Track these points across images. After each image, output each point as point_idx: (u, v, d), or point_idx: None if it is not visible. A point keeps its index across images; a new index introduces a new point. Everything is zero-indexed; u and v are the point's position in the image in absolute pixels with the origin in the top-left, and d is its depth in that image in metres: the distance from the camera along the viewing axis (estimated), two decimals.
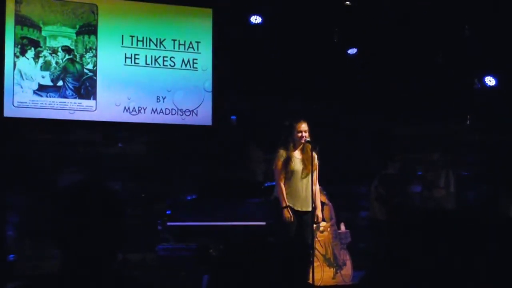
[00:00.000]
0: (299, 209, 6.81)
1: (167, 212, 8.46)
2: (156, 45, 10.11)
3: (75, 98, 9.69)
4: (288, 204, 6.76)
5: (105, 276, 2.44)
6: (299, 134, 6.79)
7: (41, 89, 9.53)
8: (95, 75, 9.80)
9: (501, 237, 2.33)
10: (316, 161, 6.80)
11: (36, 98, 9.50)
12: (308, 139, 6.77)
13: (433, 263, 2.43)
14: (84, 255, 2.41)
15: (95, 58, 9.81)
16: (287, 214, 6.71)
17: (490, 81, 11.13)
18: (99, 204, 2.46)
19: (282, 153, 6.83)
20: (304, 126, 6.82)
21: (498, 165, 10.56)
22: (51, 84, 9.59)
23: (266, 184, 8.50)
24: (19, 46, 9.46)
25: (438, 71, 10.80)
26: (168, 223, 8.31)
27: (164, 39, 10.16)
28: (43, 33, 9.59)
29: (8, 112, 9.33)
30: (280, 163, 6.82)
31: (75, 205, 2.43)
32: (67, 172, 9.74)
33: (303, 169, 6.78)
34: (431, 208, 9.49)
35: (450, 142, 10.97)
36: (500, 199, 9.98)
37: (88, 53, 9.81)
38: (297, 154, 6.85)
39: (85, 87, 9.76)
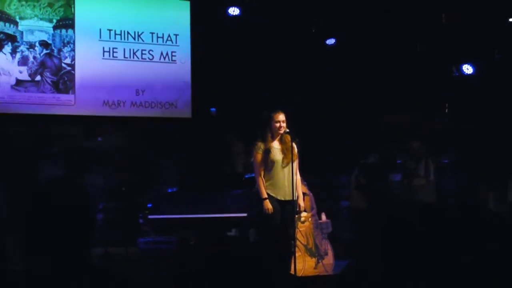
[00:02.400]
0: (282, 199, 6.78)
1: (148, 205, 8.41)
2: (134, 39, 10.04)
3: (53, 92, 9.60)
4: (270, 194, 6.73)
5: (78, 271, 2.40)
6: (277, 125, 6.75)
7: (19, 84, 9.43)
8: (73, 69, 9.71)
9: (481, 229, 2.31)
10: (296, 151, 6.77)
11: (14, 93, 9.39)
12: (287, 130, 6.75)
13: (415, 253, 2.40)
14: (50, 250, 2.38)
15: (73, 52, 9.72)
16: (268, 205, 6.68)
17: (467, 69, 11.15)
18: (65, 199, 2.43)
19: (260, 145, 6.79)
20: (281, 117, 6.79)
21: (477, 152, 10.59)
22: (29, 79, 9.48)
23: (246, 176, 8.47)
24: None
25: (416, 60, 10.81)
26: (149, 216, 8.26)
27: (142, 32, 10.08)
28: (20, 28, 9.48)
29: None
30: (259, 155, 6.78)
31: (41, 201, 2.41)
32: (47, 167, 9.66)
33: (283, 158, 6.75)
34: (410, 200, 9.52)
35: (429, 130, 10.98)
36: (479, 187, 10.01)
37: (66, 47, 9.71)
38: (275, 145, 6.81)
39: (64, 81, 9.67)
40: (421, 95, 10.92)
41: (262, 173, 6.76)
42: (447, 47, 10.82)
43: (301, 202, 6.95)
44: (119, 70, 9.91)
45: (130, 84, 9.93)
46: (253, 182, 7.02)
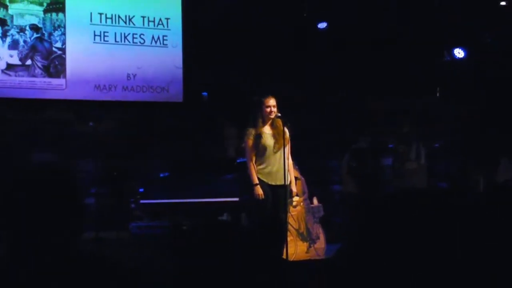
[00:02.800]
0: (273, 184, 6.78)
1: (140, 190, 8.41)
2: (125, 22, 9.99)
3: (44, 77, 9.56)
4: (262, 179, 6.72)
5: (67, 256, 2.39)
6: (268, 109, 6.74)
7: (10, 68, 9.38)
8: (64, 53, 9.66)
9: (471, 217, 2.33)
10: (287, 136, 6.77)
11: (5, 77, 9.34)
12: (279, 114, 6.73)
13: (406, 237, 2.42)
14: (37, 237, 2.36)
15: (63, 36, 9.67)
16: (259, 191, 6.67)
17: (459, 53, 11.15)
18: (52, 184, 2.41)
19: (251, 131, 6.77)
20: (272, 101, 6.77)
21: (468, 136, 10.61)
22: (19, 63, 9.43)
23: (238, 160, 8.47)
24: None
25: (407, 44, 10.79)
26: (141, 201, 8.27)
27: (133, 16, 10.03)
28: (10, 11, 9.42)
29: None
30: (249, 141, 6.76)
31: (27, 186, 2.39)
32: (38, 152, 9.63)
33: (274, 143, 6.74)
34: (402, 188, 9.54)
35: (420, 114, 10.99)
36: (470, 170, 10.04)
37: (56, 31, 9.65)
38: (267, 130, 6.80)
39: (54, 65, 9.62)
40: (412, 80, 10.92)
41: (253, 158, 6.75)
42: (438, 31, 10.81)
43: (293, 187, 6.95)
44: (110, 54, 9.87)
45: (121, 68, 9.90)
46: (245, 167, 7.01)
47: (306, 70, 10.71)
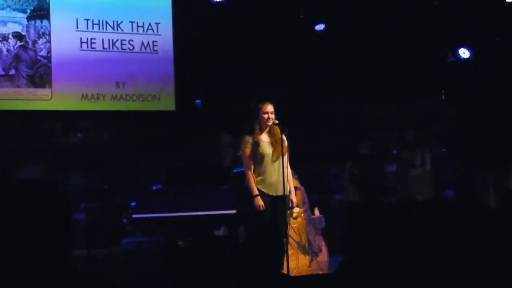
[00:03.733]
0: (273, 194, 6.77)
1: (132, 203, 8.37)
2: (113, 28, 10.00)
3: (29, 87, 9.56)
4: (261, 190, 6.72)
5: (58, 275, 2.38)
6: (265, 116, 6.73)
7: None
8: (50, 62, 9.66)
9: (480, 228, 2.33)
10: (286, 143, 6.76)
11: None
12: (276, 121, 6.73)
13: (411, 248, 2.41)
14: (27, 256, 2.36)
15: (48, 44, 9.67)
16: (259, 202, 6.67)
17: (464, 53, 11.16)
18: (42, 202, 2.41)
19: (248, 139, 6.76)
20: (269, 108, 6.76)
21: (475, 140, 10.61)
22: (3, 73, 9.43)
23: (235, 170, 8.46)
24: None
25: (409, 45, 10.81)
26: (133, 216, 8.23)
27: (122, 22, 10.04)
28: None
29: None
30: (247, 150, 6.76)
31: (15, 204, 2.39)
32: (25, 165, 9.63)
33: (273, 152, 6.73)
34: (407, 196, 9.53)
35: (425, 118, 11.00)
36: (478, 176, 10.03)
37: (41, 39, 9.66)
38: (264, 137, 6.79)
39: (40, 75, 9.62)
40: (416, 82, 10.93)
41: (252, 168, 6.75)
42: (442, 31, 10.82)
43: (293, 198, 6.94)
44: (98, 61, 9.88)
45: (110, 76, 9.90)
46: (243, 177, 7.01)
47: (304, 74, 10.72)
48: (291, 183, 6.92)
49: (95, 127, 10.19)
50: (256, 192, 6.66)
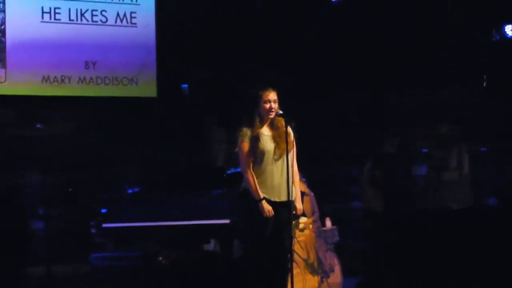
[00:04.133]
0: (275, 200, 6.75)
1: (102, 210, 8.38)
2: None
3: None
4: (263, 195, 6.71)
5: None
6: (267, 106, 6.70)
7: None
8: (4, 36, 9.65)
9: None
10: (292, 138, 6.74)
11: None
12: (280, 111, 6.71)
13: (440, 267, 2.40)
14: None
15: (2, 14, 9.68)
16: (266, 207, 6.65)
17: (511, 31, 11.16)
18: None
19: (246, 131, 6.73)
20: (272, 96, 6.73)
21: None
22: None
23: (229, 171, 8.45)
24: None
25: (445, 22, 10.80)
26: (104, 225, 8.24)
27: None
28: None
29: None
30: (245, 145, 6.73)
31: None
32: None
33: (275, 148, 6.70)
34: (439, 205, 9.54)
35: (463, 110, 10.99)
36: None
37: None
38: (265, 131, 6.76)
39: None
40: (452, 66, 10.92)
41: (251, 166, 6.73)
42: (484, 5, 10.81)
43: (298, 204, 6.91)
44: (63, 36, 9.87)
45: (78, 54, 9.89)
46: (238, 179, 7.00)
47: (314, 55, 10.71)
48: (297, 186, 6.89)
49: (58, 117, 10.18)
50: (260, 195, 6.64)
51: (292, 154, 6.74)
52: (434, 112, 10.94)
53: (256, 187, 6.63)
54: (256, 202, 6.63)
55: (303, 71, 10.71)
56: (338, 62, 10.79)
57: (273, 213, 6.62)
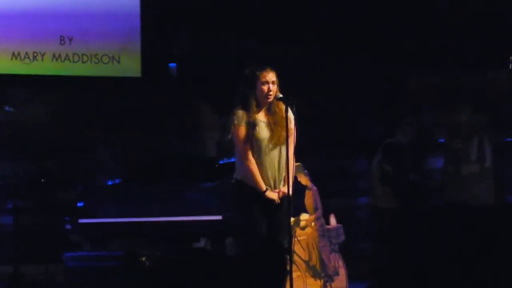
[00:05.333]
0: None
1: (79, 204, 8.40)
2: None
3: None
4: (254, 188, 6.70)
5: None
6: (265, 88, 6.70)
7: None
8: None
9: None
10: (292, 125, 6.74)
11: None
12: (280, 94, 6.71)
13: (458, 269, 2.43)
14: None
15: None
16: (273, 195, 6.65)
17: None
18: None
19: (242, 115, 6.72)
20: (271, 76, 6.71)
21: None
22: None
23: (222, 161, 8.46)
24: None
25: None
26: (80, 221, 8.26)
27: None
28: None
29: None
30: (241, 129, 6.72)
31: None
32: None
33: (271, 136, 6.70)
34: (458, 201, 9.57)
35: (485, 95, 10.99)
36: None
37: None
38: (261, 117, 6.77)
39: None
40: (473, 44, 10.92)
41: (250, 154, 6.72)
42: None
43: (284, 189, 6.86)
44: (36, 7, 9.86)
45: (52, 28, 9.90)
46: (232, 170, 7.01)
47: (317, 30, 10.69)
48: (292, 176, 6.84)
49: (29, 98, 10.18)
50: (263, 186, 6.64)
51: (291, 141, 6.74)
52: (453, 96, 10.93)
53: (259, 177, 6.63)
54: (255, 195, 6.64)
55: (308, 47, 10.69)
56: (345, 35, 10.79)
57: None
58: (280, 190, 6.70)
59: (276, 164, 6.72)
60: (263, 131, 6.70)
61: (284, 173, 6.66)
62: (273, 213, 6.71)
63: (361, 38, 10.77)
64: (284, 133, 6.61)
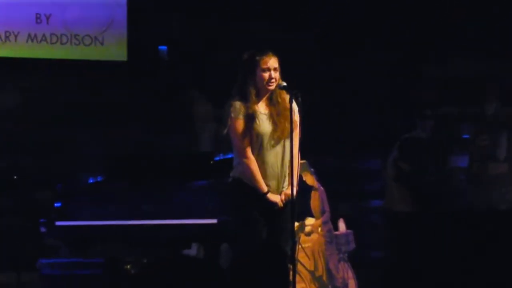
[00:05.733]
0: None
1: (56, 204, 8.40)
2: None
3: None
4: (254, 189, 6.70)
5: None
6: (266, 75, 6.66)
7: None
8: None
9: None
10: (296, 117, 6.73)
11: None
12: (283, 83, 6.70)
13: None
14: None
15: None
16: (275, 198, 6.64)
17: None
18: None
19: (240, 106, 6.69)
20: (272, 62, 6.68)
21: None
22: None
23: (217, 158, 8.45)
24: None
25: None
26: (58, 223, 8.26)
27: None
28: None
29: None
30: (239, 122, 6.70)
31: None
32: None
33: (273, 130, 6.69)
34: (481, 206, 9.58)
35: None
36: None
37: None
38: (261, 108, 6.75)
39: None
40: (499, 31, 10.92)
41: (249, 150, 6.72)
42: None
43: (288, 191, 6.87)
44: None
45: (27, 4, 9.91)
46: (228, 168, 7.01)
47: (326, 14, 10.72)
48: (296, 175, 6.83)
49: (2, 84, 10.19)
50: (265, 187, 6.63)
51: (296, 134, 6.73)
52: (478, 86, 10.93)
53: (259, 177, 6.62)
54: (255, 196, 6.63)
55: (313, 31, 10.70)
56: (359, 17, 10.81)
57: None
58: (283, 193, 6.69)
59: (279, 161, 6.70)
60: (264, 124, 6.67)
61: (288, 172, 6.66)
62: (275, 217, 6.70)
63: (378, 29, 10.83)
64: (288, 126, 6.59)
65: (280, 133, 6.61)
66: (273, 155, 6.67)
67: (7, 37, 9.80)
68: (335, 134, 10.27)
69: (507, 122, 10.23)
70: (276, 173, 6.67)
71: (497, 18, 10.87)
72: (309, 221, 7.67)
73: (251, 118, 6.63)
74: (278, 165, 6.68)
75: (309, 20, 10.64)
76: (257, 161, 6.65)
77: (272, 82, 6.64)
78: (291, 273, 6.56)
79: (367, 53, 10.97)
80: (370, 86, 11.00)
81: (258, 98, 6.69)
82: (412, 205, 9.75)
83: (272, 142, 6.65)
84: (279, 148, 6.66)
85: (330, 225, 7.85)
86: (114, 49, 10.13)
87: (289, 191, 6.64)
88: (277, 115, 6.65)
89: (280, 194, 6.65)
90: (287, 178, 6.66)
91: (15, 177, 9.43)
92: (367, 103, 10.93)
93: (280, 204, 6.60)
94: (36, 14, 9.94)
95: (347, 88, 10.87)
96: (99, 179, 8.76)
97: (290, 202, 6.63)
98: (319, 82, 10.14)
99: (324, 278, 7.68)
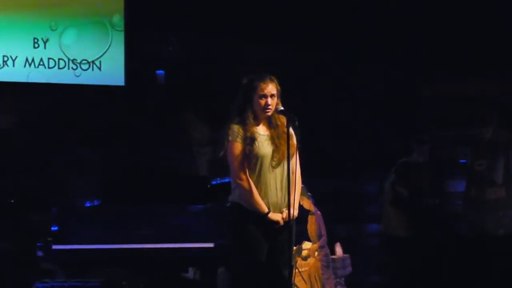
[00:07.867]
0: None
1: (52, 228, 8.40)
2: None
3: None
4: (251, 212, 6.70)
5: None
6: (262, 102, 6.70)
7: None
8: None
9: None
10: (294, 141, 6.75)
11: None
12: (281, 107, 6.72)
13: None
14: None
15: None
16: (276, 217, 6.65)
17: None
18: None
19: (238, 129, 6.71)
20: (271, 88, 6.70)
21: None
22: None
23: (214, 182, 8.46)
24: None
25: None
26: (54, 247, 8.25)
27: None
28: None
29: None
30: (237, 145, 6.72)
31: None
32: None
33: (273, 152, 6.71)
34: (479, 232, 9.58)
35: None
36: None
37: None
38: (261, 130, 6.77)
39: None
40: (498, 49, 10.92)
41: (247, 173, 6.72)
42: None
43: (291, 210, 6.87)
44: (5, 5, 9.89)
45: (24, 29, 9.94)
46: (225, 192, 7.02)
47: (324, 32, 10.73)
48: (297, 195, 6.85)
49: None
50: (265, 208, 6.64)
51: (295, 159, 6.75)
52: (476, 107, 10.93)
53: (258, 198, 6.62)
54: (256, 218, 6.63)
55: (311, 53, 10.72)
56: (355, 42, 10.84)
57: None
58: (284, 212, 6.70)
59: (279, 184, 6.73)
60: (264, 146, 6.69)
61: (286, 194, 6.67)
62: (275, 236, 6.71)
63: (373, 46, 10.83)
64: (286, 148, 6.63)
65: (281, 155, 6.65)
66: (273, 177, 6.70)
67: (5, 62, 9.81)
68: (331, 158, 10.25)
69: (504, 145, 10.23)
70: (277, 195, 6.70)
71: (494, 39, 10.87)
72: (306, 245, 7.68)
73: (250, 141, 6.66)
74: (279, 187, 6.71)
75: (307, 41, 10.65)
76: (257, 182, 6.67)
77: (269, 109, 6.67)
78: None
79: (364, 74, 10.98)
80: (368, 109, 11.01)
81: (256, 121, 6.72)
82: (409, 230, 9.75)
83: (273, 164, 6.68)
84: (280, 170, 6.69)
85: (327, 249, 7.86)
86: (112, 74, 10.13)
87: (293, 211, 6.68)
88: (277, 137, 6.69)
89: (281, 213, 6.67)
90: (287, 200, 6.67)
91: (11, 201, 9.44)
92: (365, 125, 10.93)
93: (281, 222, 6.61)
94: (34, 38, 9.94)
95: (346, 109, 10.87)
96: (95, 202, 8.76)
97: (288, 225, 6.65)
98: (316, 103, 10.14)
99: None
